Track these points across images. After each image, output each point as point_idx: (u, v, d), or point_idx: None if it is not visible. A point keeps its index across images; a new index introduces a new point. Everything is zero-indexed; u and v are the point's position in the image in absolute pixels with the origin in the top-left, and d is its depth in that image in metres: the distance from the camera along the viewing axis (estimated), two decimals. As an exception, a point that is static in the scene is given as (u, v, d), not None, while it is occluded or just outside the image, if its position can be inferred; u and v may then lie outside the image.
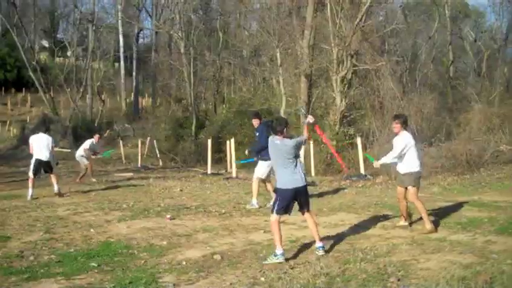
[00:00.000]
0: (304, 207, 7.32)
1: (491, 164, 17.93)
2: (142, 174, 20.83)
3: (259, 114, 12.49)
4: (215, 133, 28.90)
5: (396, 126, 8.74)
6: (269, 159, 8.22)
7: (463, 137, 20.01)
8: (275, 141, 7.21)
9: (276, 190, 7.37)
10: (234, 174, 18.86)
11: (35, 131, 17.87)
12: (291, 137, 7.28)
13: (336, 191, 14.15)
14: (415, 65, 33.91)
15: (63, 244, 8.16)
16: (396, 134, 8.79)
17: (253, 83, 33.92)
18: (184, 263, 6.98)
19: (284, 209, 7.13)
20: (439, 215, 9.91)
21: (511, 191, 13.02)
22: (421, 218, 8.83)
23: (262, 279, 6.12)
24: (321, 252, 7.18)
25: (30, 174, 13.07)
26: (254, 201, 11.24)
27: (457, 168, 16.85)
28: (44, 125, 15.64)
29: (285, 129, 7.25)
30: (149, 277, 6.33)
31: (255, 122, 11.77)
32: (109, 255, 7.43)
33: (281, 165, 7.17)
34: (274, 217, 7.07)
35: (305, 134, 7.65)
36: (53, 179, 13.37)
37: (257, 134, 11.44)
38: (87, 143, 17.95)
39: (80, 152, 17.80)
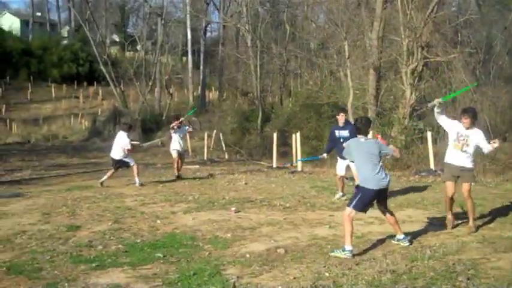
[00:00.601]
0: (383, 206, 7.31)
1: None
2: (208, 167, 21.03)
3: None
4: (281, 126, 28.84)
5: (466, 121, 8.10)
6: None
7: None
8: (360, 140, 7.21)
9: (358, 187, 7.25)
10: (299, 168, 18.76)
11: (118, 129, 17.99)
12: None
13: (404, 186, 13.83)
14: (489, 56, 32.71)
15: (131, 234, 8.33)
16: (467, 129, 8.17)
17: (320, 76, 33.61)
18: (248, 255, 6.98)
19: (362, 207, 7.06)
20: (512, 213, 9.53)
21: None
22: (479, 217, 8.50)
23: (327, 274, 6.03)
24: (406, 243, 7.25)
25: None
26: (339, 193, 11.50)
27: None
28: (125, 124, 15.69)
29: (369, 129, 7.40)
30: (213, 269, 6.35)
31: (342, 118, 11.39)
32: (174, 247, 7.52)
33: (365, 165, 7.10)
34: (349, 210, 6.98)
35: (392, 148, 7.49)
36: (133, 171, 13.89)
37: (345, 132, 11.14)
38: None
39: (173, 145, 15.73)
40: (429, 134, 17.63)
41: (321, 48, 35.47)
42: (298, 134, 20.76)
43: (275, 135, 21.83)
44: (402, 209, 10.09)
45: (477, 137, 8.09)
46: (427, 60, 20.92)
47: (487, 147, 8.12)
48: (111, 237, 8.08)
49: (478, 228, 8.18)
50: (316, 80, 33.37)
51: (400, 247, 7.22)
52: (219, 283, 5.76)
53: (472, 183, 8.39)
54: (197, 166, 20.84)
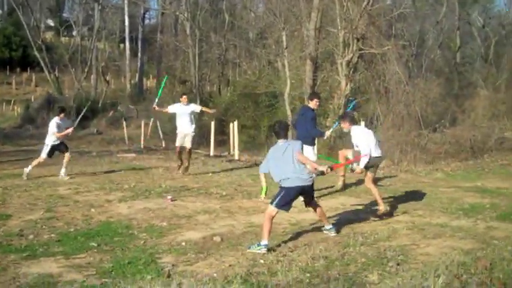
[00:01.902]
0: (308, 201, 7.34)
1: (495, 150, 17.90)
2: (144, 155, 20.81)
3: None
4: (219, 115, 28.79)
5: (345, 125, 9.04)
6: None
7: (468, 123, 19.96)
8: (279, 145, 7.16)
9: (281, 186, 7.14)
10: (236, 157, 18.83)
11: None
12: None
13: (337, 174, 14.09)
14: (422, 50, 33.69)
15: (64, 223, 8.16)
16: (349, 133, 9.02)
17: (258, 65, 33.75)
18: (183, 244, 6.97)
19: (285, 205, 6.98)
20: (441, 201, 9.89)
21: (515, 178, 12.99)
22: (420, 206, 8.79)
23: (262, 261, 6.10)
24: (333, 233, 7.32)
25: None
26: None
27: (461, 154, 16.82)
28: (59, 107, 14.72)
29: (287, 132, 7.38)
30: (148, 257, 6.32)
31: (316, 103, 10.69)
32: (109, 235, 7.43)
33: (286, 165, 6.99)
34: (271, 209, 6.87)
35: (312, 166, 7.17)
36: (65, 160, 13.30)
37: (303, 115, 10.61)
38: None
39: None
40: (362, 124, 18.01)
41: (260, 38, 35.62)
42: (235, 123, 20.84)
43: (213, 123, 21.81)
44: (335, 197, 10.31)
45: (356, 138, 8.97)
46: (362, 51, 21.35)
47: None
48: (43, 226, 7.89)
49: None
50: (254, 69, 33.52)
51: (332, 234, 7.38)
52: (154, 271, 5.74)
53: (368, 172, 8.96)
54: (134, 154, 20.58)
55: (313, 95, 11.50)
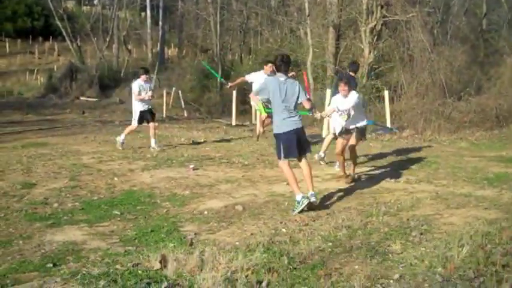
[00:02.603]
0: (303, 152, 7.23)
1: (521, 119, 17.55)
2: (166, 124, 20.87)
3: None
4: (241, 84, 28.70)
5: (344, 89, 8.79)
6: None
7: (494, 91, 19.57)
8: (280, 79, 7.06)
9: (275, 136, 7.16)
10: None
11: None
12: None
13: (361, 144, 14.00)
14: (447, 16, 32.98)
15: (87, 192, 8.25)
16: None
17: (280, 33, 33.39)
18: (206, 212, 7.00)
19: (290, 152, 7.00)
20: (465, 170, 9.78)
21: (541, 147, 12.77)
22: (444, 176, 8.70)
23: (284, 230, 6.10)
24: (313, 199, 7.01)
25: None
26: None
27: (486, 123, 16.55)
28: (142, 69, 13.60)
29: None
30: (171, 226, 6.36)
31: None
32: (132, 204, 7.49)
33: (279, 108, 7.01)
34: (281, 163, 7.07)
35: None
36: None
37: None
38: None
39: None
40: (386, 93, 17.82)
41: (282, 6, 35.14)
42: (257, 92, 20.69)
43: (234, 93, 21.74)
44: (358, 167, 10.23)
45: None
46: (386, 19, 20.97)
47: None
48: (67, 195, 7.98)
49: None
50: (276, 37, 33.18)
51: (356, 203, 7.34)
52: (176, 240, 5.77)
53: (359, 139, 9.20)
54: (156, 124, 20.61)
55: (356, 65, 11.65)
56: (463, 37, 31.84)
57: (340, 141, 9.06)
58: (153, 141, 12.66)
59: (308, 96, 7.39)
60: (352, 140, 8.96)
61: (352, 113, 8.83)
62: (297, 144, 7.03)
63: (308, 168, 7.22)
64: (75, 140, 13.75)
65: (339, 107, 8.82)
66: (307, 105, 7.26)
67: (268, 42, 33.69)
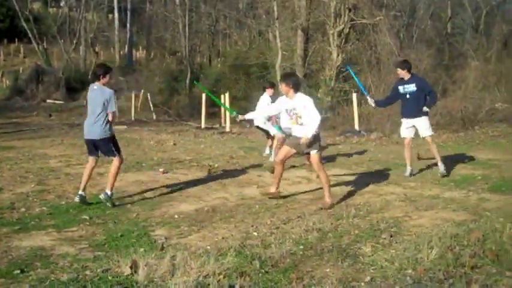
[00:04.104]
0: None
1: (486, 121, 17.93)
2: (135, 127, 20.71)
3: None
4: (210, 87, 28.62)
5: (285, 88, 7.52)
6: None
7: (459, 94, 19.93)
8: (93, 87, 7.45)
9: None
10: (228, 129, 18.78)
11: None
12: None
13: (330, 147, 14.12)
14: (413, 20, 33.52)
15: (55, 196, 8.12)
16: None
17: (249, 36, 33.48)
18: (176, 216, 6.95)
19: None
20: (432, 172, 9.91)
21: (505, 149, 13.03)
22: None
23: (255, 233, 6.10)
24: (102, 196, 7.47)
25: None
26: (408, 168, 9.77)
27: (452, 125, 16.84)
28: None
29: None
30: (141, 230, 6.30)
31: (405, 73, 9.56)
32: (101, 208, 7.39)
33: (90, 113, 7.49)
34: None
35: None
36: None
37: (415, 87, 9.47)
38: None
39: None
40: (354, 96, 18.01)
41: (250, 8, 35.27)
42: (227, 95, 20.74)
43: (204, 95, 21.70)
44: (328, 169, 10.27)
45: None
46: (354, 22, 21.23)
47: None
48: (35, 199, 7.85)
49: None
50: (245, 40, 33.26)
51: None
52: (147, 244, 5.72)
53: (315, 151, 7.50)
54: (124, 126, 20.48)
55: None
56: (429, 40, 32.40)
57: (285, 149, 7.75)
58: (267, 149, 11.97)
59: None
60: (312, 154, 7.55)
61: (302, 119, 7.48)
62: None
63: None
64: (42, 143, 13.54)
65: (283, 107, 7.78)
66: None
67: (237, 45, 33.74)
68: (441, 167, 9.51)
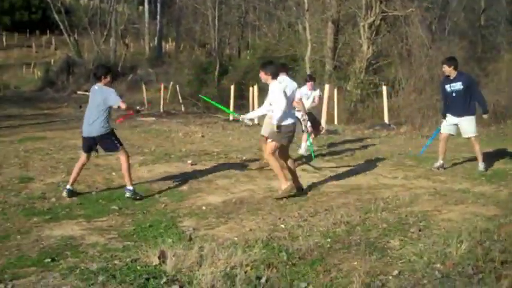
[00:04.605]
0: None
1: (518, 115, 17.61)
2: (164, 119, 20.84)
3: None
4: (238, 79, 28.64)
5: (264, 76, 7.56)
6: None
7: (491, 88, 19.59)
8: (94, 88, 7.57)
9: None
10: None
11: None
12: None
13: (359, 140, 14.03)
14: (445, 12, 32.98)
15: (85, 186, 8.23)
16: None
17: (279, 28, 33.37)
18: (204, 208, 6.99)
19: None
20: (463, 166, 9.78)
21: (539, 144, 12.78)
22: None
23: (282, 226, 6.09)
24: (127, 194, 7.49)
25: None
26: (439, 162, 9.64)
27: (484, 119, 16.53)
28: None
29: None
30: (169, 221, 6.35)
31: (451, 70, 9.37)
32: (130, 199, 7.47)
33: (89, 111, 7.58)
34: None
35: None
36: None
37: (462, 86, 9.26)
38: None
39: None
40: (384, 89, 17.86)
41: (280, 0, 35.10)
42: (255, 87, 20.72)
43: (232, 87, 21.73)
44: (357, 162, 10.23)
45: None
46: (385, 14, 20.98)
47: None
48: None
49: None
50: (275, 32, 33.15)
51: (354, 199, 7.33)
52: (175, 235, 5.76)
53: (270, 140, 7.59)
54: (153, 118, 20.64)
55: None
56: (461, 33, 31.84)
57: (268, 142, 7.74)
58: (303, 144, 11.41)
59: None
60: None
61: (272, 105, 7.52)
62: None
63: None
64: (73, 134, 13.69)
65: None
66: None
67: (267, 37, 33.64)
68: (481, 165, 9.36)
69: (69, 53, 42.53)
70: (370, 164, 10.11)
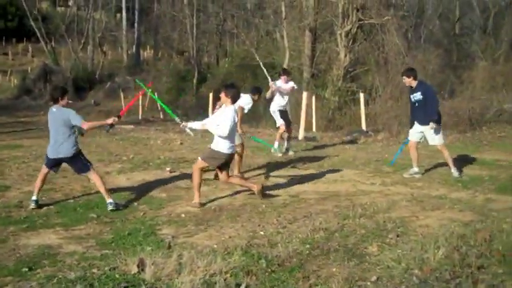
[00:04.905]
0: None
1: (493, 122, 17.83)
2: (142, 126, 20.75)
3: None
4: (217, 87, 28.55)
5: (224, 98, 7.77)
6: None
7: (466, 95, 19.86)
8: (52, 110, 7.49)
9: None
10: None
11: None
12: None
13: (337, 147, 14.11)
14: (421, 20, 33.41)
15: (62, 195, 8.17)
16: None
17: (257, 36, 33.44)
18: (183, 215, 6.98)
19: None
20: (439, 172, 9.90)
21: (513, 150, 12.98)
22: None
23: (262, 233, 6.11)
24: (110, 207, 7.28)
25: None
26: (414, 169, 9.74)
27: (459, 126, 16.75)
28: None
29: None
30: (148, 229, 6.33)
31: (410, 81, 9.59)
32: (113, 210, 7.41)
33: (55, 133, 7.49)
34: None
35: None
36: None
37: (421, 95, 9.41)
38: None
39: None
40: (361, 96, 17.99)
41: (258, 8, 35.26)
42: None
43: (211, 95, 21.72)
44: (334, 169, 10.29)
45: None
46: (362, 22, 21.14)
47: None
48: (42, 198, 7.86)
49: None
50: (253, 40, 33.21)
51: (332, 206, 7.38)
52: (154, 243, 5.74)
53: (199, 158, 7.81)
54: (132, 126, 20.52)
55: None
56: (437, 41, 32.30)
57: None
58: (276, 143, 12.15)
59: None
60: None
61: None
62: None
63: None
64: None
65: None
66: None
67: (245, 45, 33.67)
68: (454, 171, 9.49)
69: (46, 61, 42.10)
70: (348, 171, 10.17)
